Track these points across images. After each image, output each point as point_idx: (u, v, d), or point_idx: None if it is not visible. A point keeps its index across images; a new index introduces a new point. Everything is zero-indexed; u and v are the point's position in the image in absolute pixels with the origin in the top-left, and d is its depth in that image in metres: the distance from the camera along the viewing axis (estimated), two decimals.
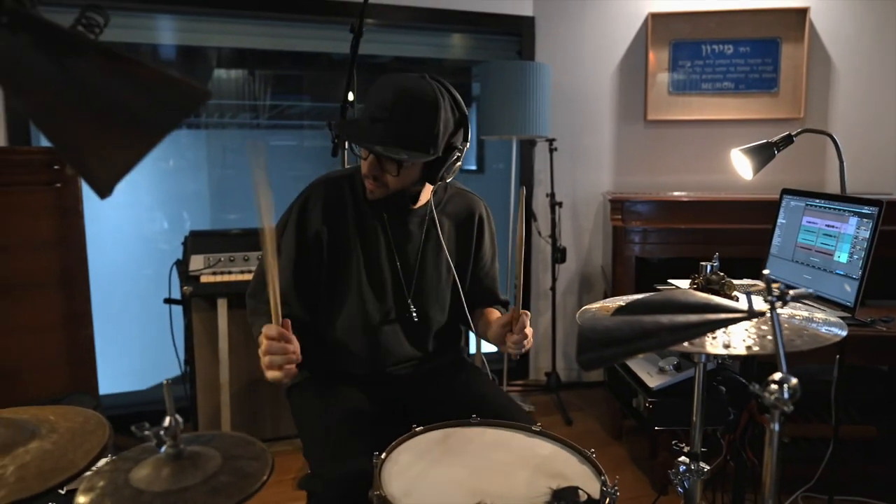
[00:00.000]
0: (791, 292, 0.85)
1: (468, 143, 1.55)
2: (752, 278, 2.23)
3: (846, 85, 3.56)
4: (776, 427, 0.85)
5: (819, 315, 1.23)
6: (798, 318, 1.24)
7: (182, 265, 2.92)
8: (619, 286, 3.01)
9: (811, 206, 1.90)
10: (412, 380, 1.70)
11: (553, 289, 3.60)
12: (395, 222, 1.65)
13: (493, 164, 4.60)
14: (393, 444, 1.32)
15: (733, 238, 2.95)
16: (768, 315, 0.87)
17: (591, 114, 3.67)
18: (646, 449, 2.89)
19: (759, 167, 1.90)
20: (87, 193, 4.17)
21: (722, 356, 1.10)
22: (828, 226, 1.82)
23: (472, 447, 1.35)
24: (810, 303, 1.88)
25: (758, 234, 2.89)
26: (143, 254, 4.22)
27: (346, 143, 1.80)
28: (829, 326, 1.18)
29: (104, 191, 0.78)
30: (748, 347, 1.05)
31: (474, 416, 1.43)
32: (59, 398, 2.34)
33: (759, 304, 0.91)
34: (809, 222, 1.89)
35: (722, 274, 1.23)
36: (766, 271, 0.87)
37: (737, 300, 1.28)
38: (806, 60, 3.50)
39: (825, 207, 1.85)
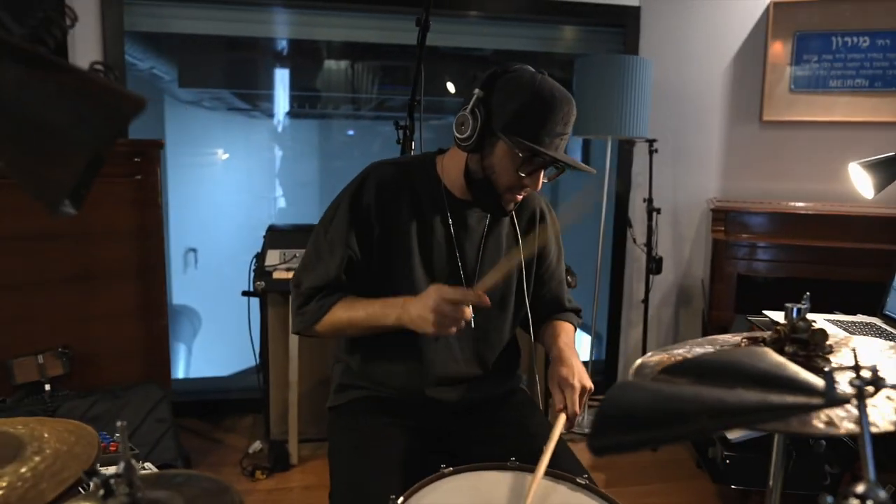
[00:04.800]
0: (888, 379, 0.64)
1: None
2: (869, 313, 1.92)
3: None
4: None
5: None
6: None
7: (260, 259, 2.92)
8: (718, 306, 2.73)
9: None
10: (458, 408, 1.55)
11: (646, 301, 3.34)
12: (457, 216, 1.51)
13: (598, 163, 4.33)
14: (415, 486, 1.19)
15: (855, 259, 2.60)
16: (854, 404, 0.66)
17: (699, 113, 3.36)
18: None
19: (883, 185, 1.60)
20: (174, 182, 4.31)
21: (814, 435, 0.86)
22: None
23: (504, 498, 1.19)
24: None
25: (886, 256, 2.52)
26: (250, 241, 4.33)
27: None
28: None
29: (53, 206, 0.69)
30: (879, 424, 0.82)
31: (513, 458, 1.27)
32: (128, 387, 2.38)
33: (846, 384, 0.69)
34: None
35: (813, 320, 1.00)
36: (854, 345, 0.66)
37: (830, 355, 1.05)
38: None
39: None
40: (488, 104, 1.38)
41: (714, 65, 3.33)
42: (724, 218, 2.78)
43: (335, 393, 1.61)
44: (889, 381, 0.64)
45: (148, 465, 1.43)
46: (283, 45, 4.49)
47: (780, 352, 0.98)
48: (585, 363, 3.21)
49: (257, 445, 2.93)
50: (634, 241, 3.44)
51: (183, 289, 4.88)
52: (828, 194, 3.21)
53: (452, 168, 1.49)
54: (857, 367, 0.65)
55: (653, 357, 1.15)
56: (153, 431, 2.30)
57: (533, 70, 1.41)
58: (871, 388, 0.66)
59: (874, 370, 0.65)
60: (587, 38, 3.70)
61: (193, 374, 4.41)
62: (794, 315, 1.01)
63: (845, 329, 1.74)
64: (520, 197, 1.45)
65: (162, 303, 2.55)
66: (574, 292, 3.11)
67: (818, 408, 0.66)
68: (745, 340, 1.10)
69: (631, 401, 0.69)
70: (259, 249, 3.02)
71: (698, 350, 1.18)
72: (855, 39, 3.15)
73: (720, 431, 0.65)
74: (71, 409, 2.22)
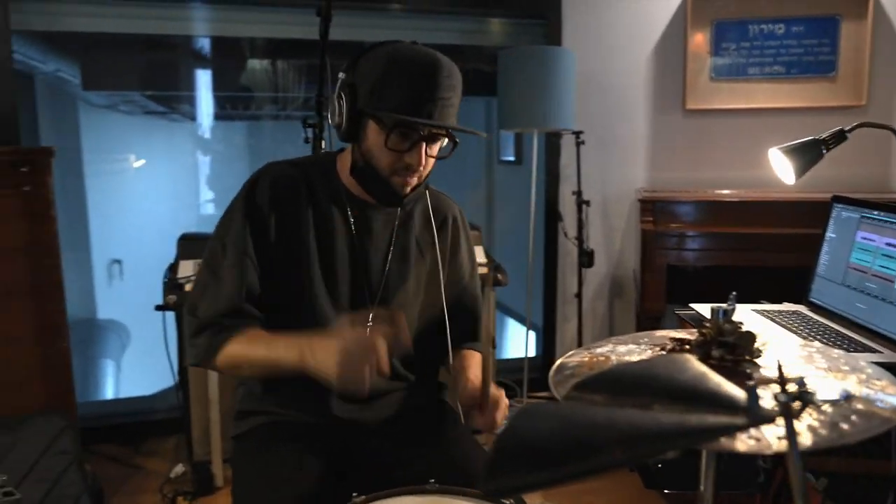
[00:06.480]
0: (817, 396, 0.56)
1: None
2: (796, 300, 1.90)
3: None
4: None
5: (878, 381, 0.89)
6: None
7: (173, 270, 2.74)
8: (649, 297, 2.71)
9: (868, 218, 1.56)
10: (372, 427, 1.42)
11: (579, 295, 3.30)
12: (360, 219, 1.39)
13: (526, 157, 4.28)
14: None
15: (780, 244, 2.60)
16: (782, 423, 0.58)
17: (624, 103, 3.34)
18: None
19: (803, 170, 1.57)
20: (94, 191, 4.05)
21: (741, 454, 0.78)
22: (888, 244, 1.48)
23: None
24: (871, 343, 1.53)
25: (812, 240, 2.54)
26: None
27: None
28: (887, 396, 0.87)
29: None
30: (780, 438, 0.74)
31: (432, 480, 1.17)
32: (24, 419, 2.18)
33: (771, 399, 0.62)
34: (865, 239, 1.55)
35: (740, 322, 0.93)
36: (780, 360, 0.58)
37: (759, 355, 0.98)
38: (870, 41, 3.09)
39: (886, 221, 1.51)
40: (352, 85, 1.27)
41: (636, 55, 3.31)
42: (652, 208, 2.75)
43: (237, 420, 1.45)
44: (817, 395, 0.56)
45: None
46: (201, 43, 4.28)
47: (707, 356, 0.91)
48: (523, 359, 3.16)
49: (179, 469, 2.75)
50: (566, 234, 3.39)
51: (109, 302, 4.62)
52: (752, 181, 3.23)
53: (348, 164, 1.38)
54: (782, 381, 0.57)
55: (573, 357, 1.08)
56: (54, 466, 2.09)
57: (400, 41, 1.29)
58: (797, 404, 0.58)
59: (801, 384, 0.57)
60: (510, 31, 3.65)
61: (122, 393, 4.19)
62: (721, 317, 0.93)
63: (772, 319, 1.71)
64: (412, 180, 1.31)
65: (62, 324, 2.35)
66: (507, 289, 3.05)
67: (740, 429, 0.58)
68: (670, 342, 1.03)
69: (535, 432, 0.59)
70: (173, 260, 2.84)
71: (622, 349, 1.11)
72: (770, 27, 3.18)
73: (633, 463, 0.58)
74: None
